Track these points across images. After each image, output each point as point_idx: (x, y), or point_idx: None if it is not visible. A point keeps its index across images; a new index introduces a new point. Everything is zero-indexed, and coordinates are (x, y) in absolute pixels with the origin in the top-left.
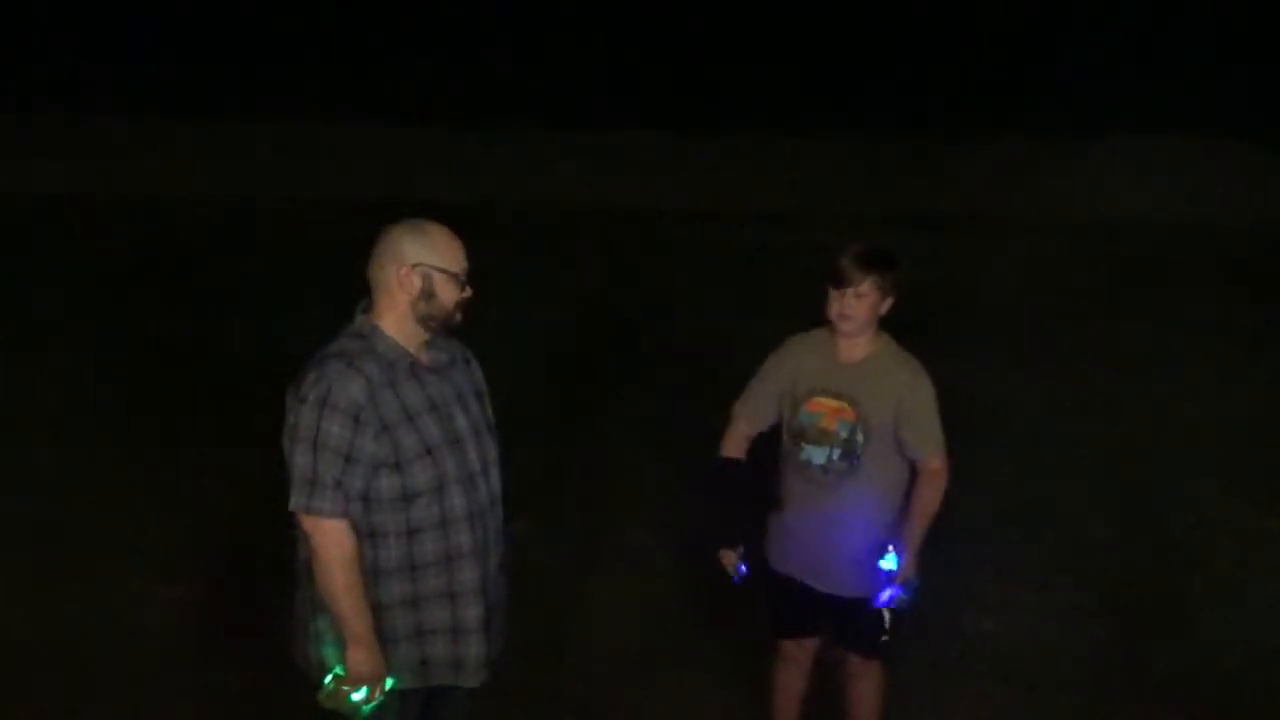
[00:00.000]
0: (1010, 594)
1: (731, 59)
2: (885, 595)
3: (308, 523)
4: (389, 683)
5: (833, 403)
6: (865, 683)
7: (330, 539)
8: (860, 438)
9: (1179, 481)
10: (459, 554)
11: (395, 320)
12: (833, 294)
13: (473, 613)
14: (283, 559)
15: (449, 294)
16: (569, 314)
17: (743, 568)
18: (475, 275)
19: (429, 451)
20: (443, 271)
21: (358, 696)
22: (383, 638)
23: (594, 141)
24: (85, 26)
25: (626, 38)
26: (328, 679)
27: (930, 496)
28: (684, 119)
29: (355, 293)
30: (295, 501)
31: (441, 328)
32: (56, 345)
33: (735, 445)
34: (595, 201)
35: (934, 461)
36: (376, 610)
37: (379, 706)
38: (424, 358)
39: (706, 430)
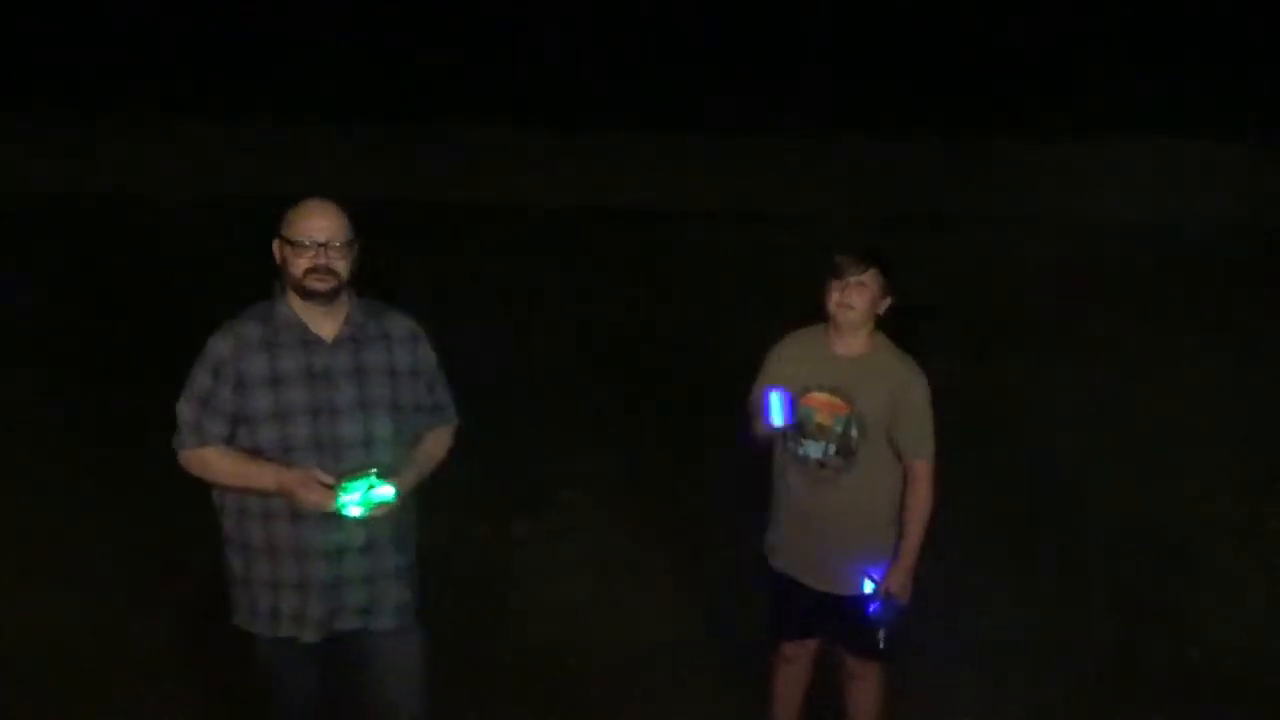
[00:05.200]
0: (1010, 594)
1: (731, 60)
2: (870, 609)
3: (181, 461)
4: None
5: (828, 397)
6: (864, 683)
7: (195, 460)
8: (855, 433)
9: (1179, 481)
10: (304, 514)
11: (293, 293)
12: (833, 285)
13: (314, 573)
14: None
15: (293, 262)
16: (568, 314)
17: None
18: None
19: (280, 415)
20: (288, 241)
21: (348, 499)
22: (248, 579)
23: (594, 141)
24: (85, 26)
25: (625, 38)
26: (356, 512)
27: (920, 504)
28: (683, 119)
29: (356, 290)
30: (173, 442)
31: (302, 295)
32: (56, 344)
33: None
34: (595, 201)
35: (921, 463)
36: (245, 551)
37: (361, 488)
38: (325, 328)
39: (706, 430)
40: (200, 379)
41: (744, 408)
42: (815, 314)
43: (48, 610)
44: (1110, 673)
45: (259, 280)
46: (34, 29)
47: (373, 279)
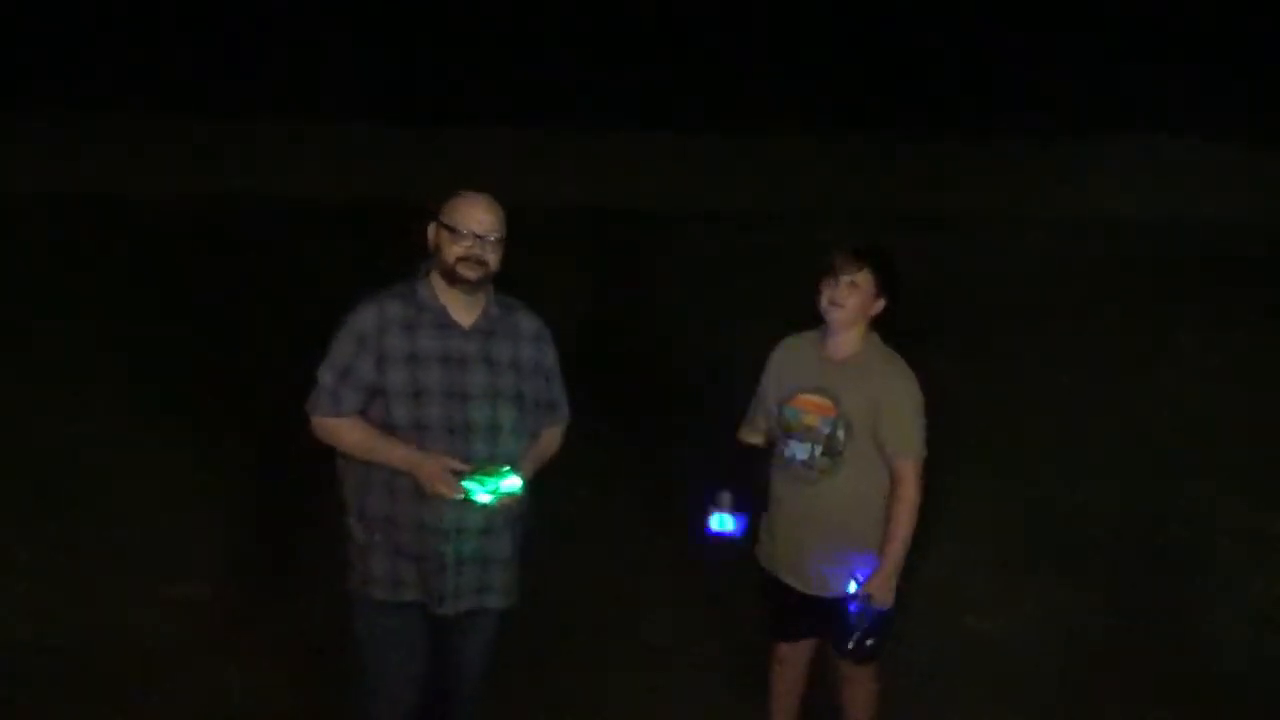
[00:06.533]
0: (1009, 594)
1: (731, 59)
2: (851, 611)
3: (313, 426)
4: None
5: (815, 399)
6: (858, 685)
7: (328, 429)
8: (841, 434)
9: (1179, 481)
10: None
11: (438, 275)
12: (825, 283)
13: (433, 548)
14: (283, 558)
15: (448, 247)
16: (567, 314)
17: (730, 519)
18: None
19: (416, 394)
20: (447, 227)
21: (481, 493)
22: (367, 545)
23: (594, 142)
24: (84, 24)
25: (625, 38)
26: (477, 497)
27: (903, 507)
28: (684, 119)
29: (356, 289)
30: (307, 406)
31: (450, 280)
32: (55, 345)
33: (751, 434)
34: (595, 201)
35: (906, 463)
36: (364, 520)
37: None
38: (464, 315)
39: (704, 430)
40: (343, 350)
41: (740, 414)
42: (814, 313)
43: (49, 609)
44: (1110, 673)
45: (257, 281)
46: (33, 28)
47: (374, 280)
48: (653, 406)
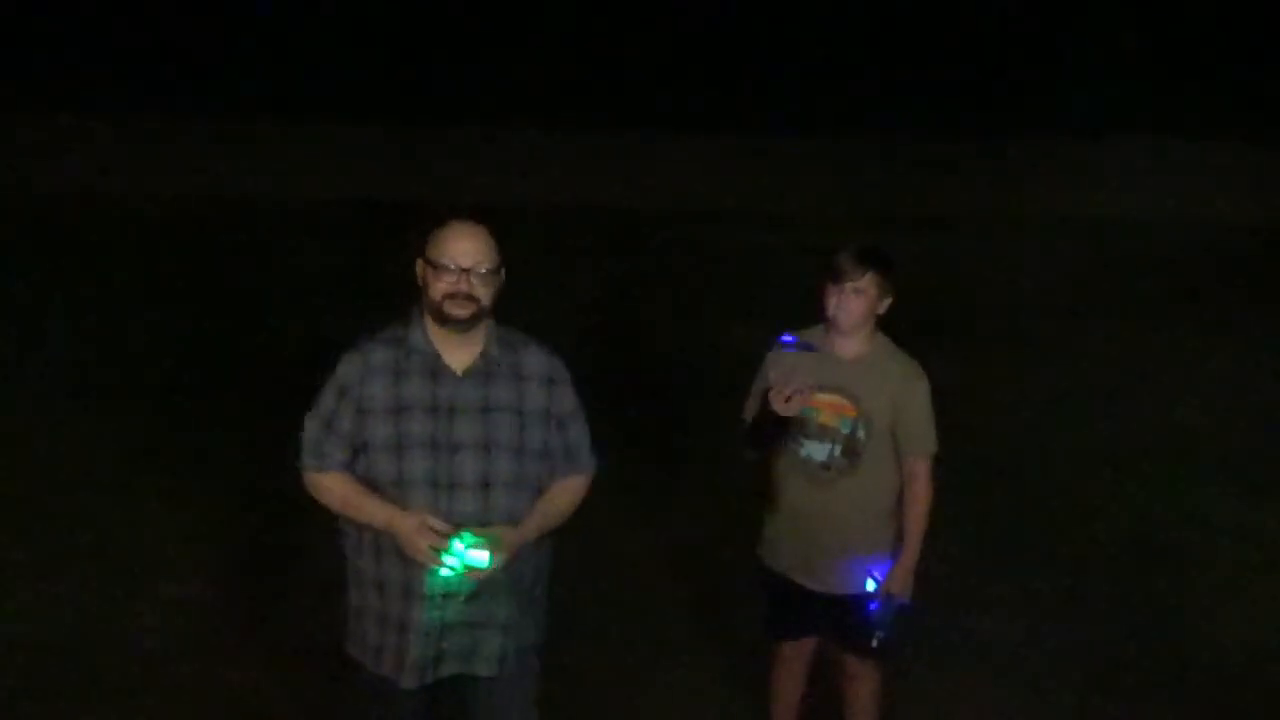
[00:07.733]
0: (1010, 593)
1: (730, 59)
2: (871, 608)
3: (303, 480)
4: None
5: (831, 399)
6: (862, 683)
7: (313, 484)
8: (862, 435)
9: (1179, 481)
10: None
11: (429, 317)
12: (830, 289)
13: (417, 615)
14: (283, 558)
15: (433, 284)
16: (567, 314)
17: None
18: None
19: (398, 447)
20: (431, 263)
21: (445, 563)
22: (360, 609)
23: (594, 141)
24: (84, 25)
25: (626, 37)
26: (447, 573)
27: (920, 503)
28: (684, 119)
29: (357, 291)
30: (296, 460)
31: (440, 320)
32: (57, 344)
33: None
34: (595, 201)
35: (921, 462)
36: (360, 582)
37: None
38: (458, 358)
39: (704, 431)
40: (326, 401)
41: (740, 410)
42: (815, 313)
43: (48, 609)
44: (1110, 673)
45: (256, 282)
46: (33, 28)
47: (377, 281)
48: (653, 407)
